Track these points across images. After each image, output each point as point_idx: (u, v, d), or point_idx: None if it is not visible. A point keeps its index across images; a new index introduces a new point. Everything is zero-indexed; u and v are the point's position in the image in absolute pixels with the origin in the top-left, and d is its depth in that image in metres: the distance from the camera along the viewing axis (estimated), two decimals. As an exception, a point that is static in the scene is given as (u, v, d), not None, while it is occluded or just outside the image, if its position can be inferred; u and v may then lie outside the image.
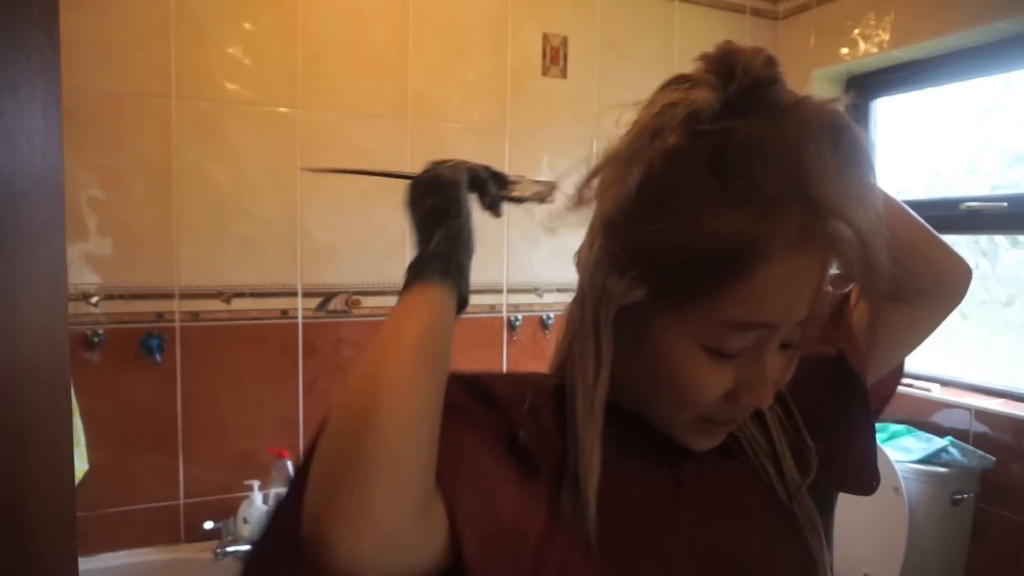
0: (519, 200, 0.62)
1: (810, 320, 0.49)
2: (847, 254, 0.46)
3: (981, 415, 1.79)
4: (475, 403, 0.53)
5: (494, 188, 0.62)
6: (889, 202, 0.58)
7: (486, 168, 0.63)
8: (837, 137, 0.49)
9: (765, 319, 0.48)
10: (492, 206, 0.63)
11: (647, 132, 0.51)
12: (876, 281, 0.49)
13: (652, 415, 0.55)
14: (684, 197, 0.48)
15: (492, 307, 2.02)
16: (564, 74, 2.07)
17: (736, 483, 0.58)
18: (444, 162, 0.62)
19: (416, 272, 0.52)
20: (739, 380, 0.50)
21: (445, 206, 0.58)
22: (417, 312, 0.50)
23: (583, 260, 0.53)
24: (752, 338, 0.49)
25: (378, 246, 1.89)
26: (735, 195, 0.46)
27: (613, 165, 0.52)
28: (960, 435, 1.80)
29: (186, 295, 1.70)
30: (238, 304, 1.75)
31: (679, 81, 0.54)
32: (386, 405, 0.43)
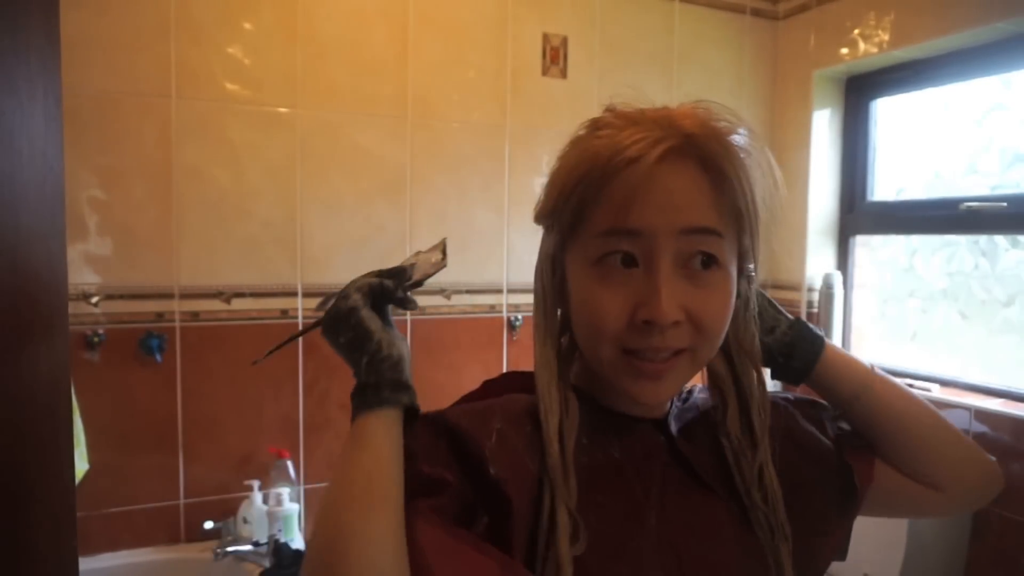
0: (422, 283, 0.66)
1: (697, 231, 0.53)
2: (715, 165, 0.52)
3: (981, 415, 1.79)
4: (443, 449, 0.56)
5: (397, 288, 0.66)
6: (908, 395, 0.67)
7: (378, 275, 0.68)
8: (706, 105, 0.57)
9: (632, 225, 0.52)
10: (404, 305, 0.67)
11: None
12: (747, 194, 0.54)
13: (596, 368, 0.58)
14: (569, 145, 0.58)
15: (492, 307, 2.02)
16: (564, 74, 2.07)
17: (703, 499, 0.60)
18: (345, 289, 0.67)
19: (355, 406, 0.57)
20: (636, 300, 0.53)
21: (355, 335, 0.62)
22: (361, 452, 0.53)
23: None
24: (629, 247, 0.53)
25: (378, 246, 1.89)
26: (599, 128, 0.55)
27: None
28: (960, 435, 1.80)
29: (186, 295, 1.71)
30: (238, 304, 1.76)
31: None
32: (350, 561, 0.47)
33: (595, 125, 0.57)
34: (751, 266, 0.59)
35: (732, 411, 0.62)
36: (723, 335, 0.57)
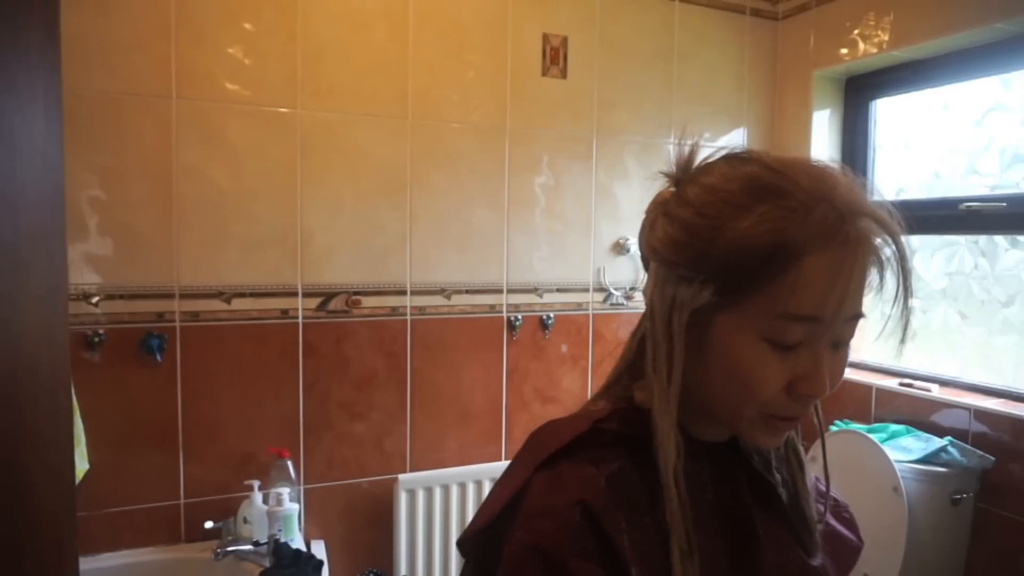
0: None
1: (857, 317, 0.56)
2: (880, 251, 0.55)
3: (980, 415, 1.79)
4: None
5: None
6: None
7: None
8: (847, 172, 0.58)
9: (816, 312, 0.53)
10: None
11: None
12: (909, 278, 0.56)
13: (721, 416, 0.60)
14: (728, 204, 0.56)
15: (492, 307, 2.02)
16: (564, 74, 2.07)
17: (784, 535, 0.64)
18: None
19: None
20: (796, 373, 0.55)
21: None
22: None
23: (649, 289, 0.61)
24: (806, 331, 0.54)
25: (378, 246, 1.89)
26: (767, 202, 0.54)
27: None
28: (959, 435, 1.80)
29: (186, 295, 1.71)
30: (238, 304, 1.76)
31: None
32: None
33: (763, 186, 0.55)
34: None
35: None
36: None
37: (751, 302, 0.54)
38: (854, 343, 2.10)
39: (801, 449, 0.67)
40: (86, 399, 1.53)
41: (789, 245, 0.52)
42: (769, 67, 2.37)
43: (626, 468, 0.58)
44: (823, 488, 0.72)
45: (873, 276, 0.56)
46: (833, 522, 0.70)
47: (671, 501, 0.55)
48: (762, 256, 0.53)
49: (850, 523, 0.72)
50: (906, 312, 0.58)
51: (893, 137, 2.21)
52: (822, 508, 0.68)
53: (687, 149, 0.61)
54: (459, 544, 0.63)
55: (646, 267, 0.63)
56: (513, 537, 0.56)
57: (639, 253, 0.65)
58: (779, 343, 0.54)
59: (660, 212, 0.60)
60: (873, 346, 2.28)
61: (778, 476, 0.66)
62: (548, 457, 0.59)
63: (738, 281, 0.54)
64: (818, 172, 0.56)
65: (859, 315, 0.56)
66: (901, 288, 0.56)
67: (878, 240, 0.55)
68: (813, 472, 0.69)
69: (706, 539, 0.57)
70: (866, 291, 0.56)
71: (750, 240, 0.53)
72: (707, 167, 0.60)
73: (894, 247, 0.55)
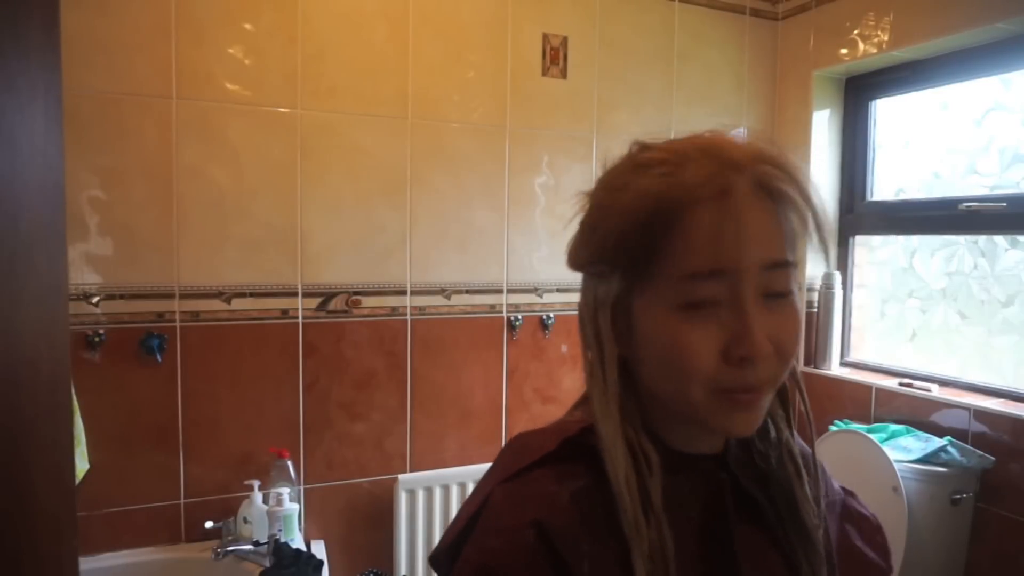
0: None
1: (778, 266, 0.53)
2: (783, 193, 0.52)
3: (980, 415, 1.79)
4: None
5: None
6: None
7: None
8: (744, 130, 0.57)
9: (722, 265, 0.51)
10: None
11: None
12: (817, 215, 0.54)
13: (680, 411, 0.56)
14: (610, 187, 0.56)
15: (492, 307, 2.02)
16: (564, 74, 2.07)
17: (775, 556, 0.60)
18: None
19: None
20: (728, 337, 0.52)
21: None
22: None
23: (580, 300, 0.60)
24: (716, 289, 0.51)
25: (378, 246, 1.89)
26: (642, 174, 0.54)
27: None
28: (959, 435, 1.80)
29: (186, 295, 1.71)
30: (238, 304, 1.76)
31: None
32: None
33: (643, 164, 0.55)
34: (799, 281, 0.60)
35: (777, 424, 0.62)
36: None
37: (653, 276, 0.53)
38: (855, 342, 2.08)
39: (798, 453, 0.62)
40: (86, 399, 1.53)
41: (667, 206, 0.51)
42: (769, 67, 2.37)
43: (594, 487, 0.55)
44: (851, 503, 0.69)
45: (791, 220, 0.54)
46: (861, 544, 0.68)
47: (625, 511, 0.52)
48: (645, 224, 0.52)
49: (882, 548, 0.69)
50: (824, 245, 0.56)
51: (893, 137, 2.21)
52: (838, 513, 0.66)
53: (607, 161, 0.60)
54: (431, 560, 0.61)
55: None
56: (464, 554, 0.55)
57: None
58: (692, 306, 0.52)
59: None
60: (873, 346, 2.28)
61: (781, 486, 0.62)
62: (514, 472, 0.57)
63: (634, 258, 0.53)
64: (700, 137, 0.55)
65: (782, 262, 0.53)
66: (813, 225, 0.55)
67: (784, 186, 0.53)
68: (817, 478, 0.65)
69: (687, 559, 0.54)
70: (791, 237, 0.54)
71: (631, 212, 0.53)
72: (609, 167, 0.59)
73: (795, 189, 0.53)
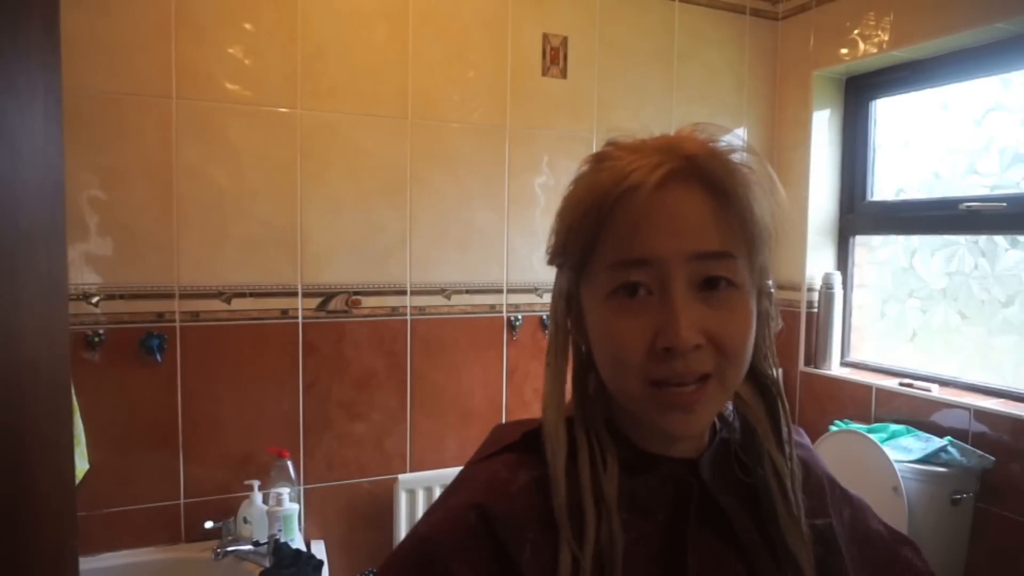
0: None
1: (709, 256, 0.52)
2: (726, 188, 0.52)
3: (980, 415, 1.79)
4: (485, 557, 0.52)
5: None
6: None
7: None
8: (700, 125, 0.57)
9: (639, 254, 0.52)
10: None
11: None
12: (754, 212, 0.53)
13: (626, 404, 0.56)
14: (571, 183, 0.58)
15: (492, 307, 2.02)
16: (564, 74, 2.07)
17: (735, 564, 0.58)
18: None
19: None
20: (655, 327, 0.51)
21: None
22: None
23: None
24: (643, 277, 0.52)
25: (378, 246, 1.89)
26: (601, 162, 0.55)
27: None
28: (959, 435, 1.80)
29: (186, 295, 1.71)
30: (238, 304, 1.76)
31: None
32: None
33: (598, 159, 0.56)
34: (769, 282, 0.58)
35: (762, 439, 0.60)
36: (747, 356, 0.55)
37: (592, 267, 0.55)
38: (855, 342, 2.08)
39: (786, 473, 0.59)
40: (86, 399, 1.53)
41: (603, 197, 0.52)
42: (769, 67, 2.37)
43: (548, 477, 0.54)
44: (851, 496, 0.67)
45: (743, 209, 0.53)
46: (878, 526, 0.67)
47: (557, 497, 0.52)
48: (585, 215, 0.53)
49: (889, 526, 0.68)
50: (763, 247, 0.55)
51: (893, 137, 2.21)
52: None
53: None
54: None
55: None
56: (414, 526, 0.56)
57: None
58: (623, 295, 0.52)
59: None
60: (874, 346, 2.28)
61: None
62: (478, 459, 0.59)
63: (578, 250, 0.55)
64: (657, 137, 0.56)
65: (714, 253, 0.52)
66: (756, 216, 0.54)
67: (729, 181, 0.52)
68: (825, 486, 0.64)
69: (644, 559, 0.54)
70: (737, 231, 0.53)
71: (577, 204, 0.55)
72: None
73: (742, 186, 0.53)
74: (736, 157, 0.55)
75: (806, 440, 0.70)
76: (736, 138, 0.56)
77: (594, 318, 0.55)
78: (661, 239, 0.51)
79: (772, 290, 0.59)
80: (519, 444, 0.58)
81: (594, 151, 0.58)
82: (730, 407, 0.63)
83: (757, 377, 0.60)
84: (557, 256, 0.59)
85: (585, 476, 0.54)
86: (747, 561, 0.57)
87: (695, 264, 0.52)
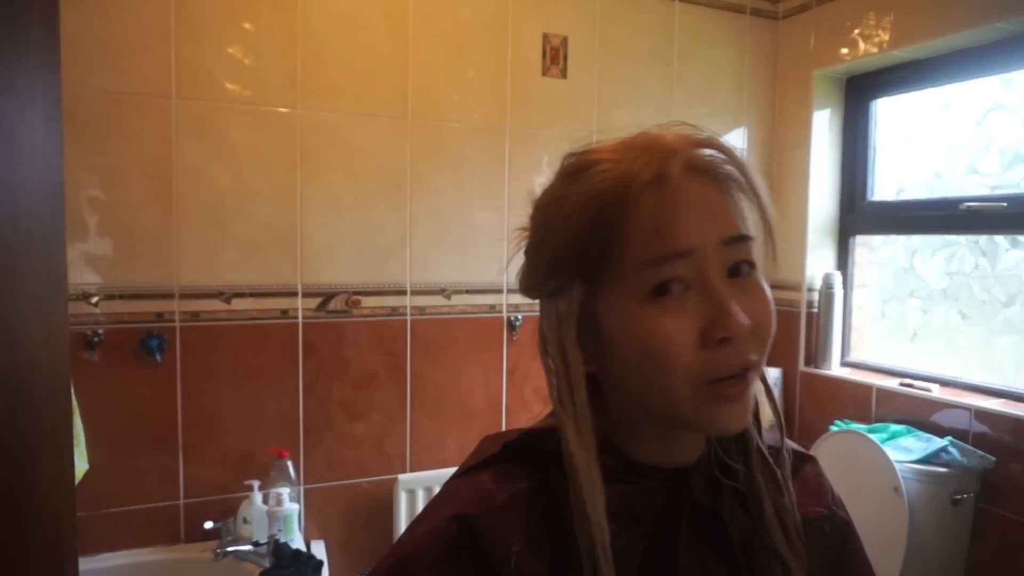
0: None
1: (736, 240, 0.52)
2: (720, 171, 0.52)
3: (981, 415, 1.79)
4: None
5: None
6: None
7: None
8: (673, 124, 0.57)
9: (680, 246, 0.50)
10: None
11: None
12: (758, 193, 0.53)
13: (665, 412, 0.53)
14: (548, 204, 0.56)
15: (492, 307, 2.02)
16: (564, 74, 2.07)
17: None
18: None
19: None
20: (704, 323, 0.50)
21: None
22: None
23: (541, 327, 0.59)
24: (679, 270, 0.50)
25: (378, 246, 1.89)
26: (580, 178, 0.54)
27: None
28: (960, 435, 1.80)
29: (186, 295, 1.71)
30: (238, 304, 1.76)
31: None
32: None
33: (570, 172, 0.55)
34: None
35: (751, 438, 0.59)
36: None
37: (614, 273, 0.52)
38: (855, 342, 2.08)
39: (776, 469, 0.58)
40: (86, 399, 1.53)
41: (610, 201, 0.51)
42: (769, 67, 2.37)
43: (538, 490, 0.54)
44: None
45: (740, 199, 0.53)
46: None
47: (594, 542, 0.50)
48: (594, 224, 0.51)
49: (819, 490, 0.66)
50: (769, 230, 0.54)
51: (893, 137, 2.21)
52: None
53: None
54: None
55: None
56: (397, 539, 0.56)
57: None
58: (659, 292, 0.50)
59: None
60: (874, 346, 2.28)
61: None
62: (463, 471, 0.58)
63: (590, 260, 0.52)
64: (632, 137, 0.55)
65: (739, 236, 0.52)
66: (755, 204, 0.54)
67: (721, 165, 0.53)
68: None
69: (633, 570, 0.53)
70: (741, 213, 0.53)
71: (577, 217, 0.52)
72: (541, 191, 0.59)
73: (734, 167, 0.53)
74: (721, 144, 0.55)
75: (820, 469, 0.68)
76: (704, 130, 0.56)
77: (623, 327, 0.52)
78: (692, 228, 0.50)
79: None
80: (503, 456, 0.57)
81: (558, 169, 0.57)
82: None
83: None
84: (548, 281, 0.56)
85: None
86: (734, 569, 0.56)
87: (724, 250, 0.51)
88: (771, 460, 0.59)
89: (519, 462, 0.56)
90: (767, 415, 0.63)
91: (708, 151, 0.53)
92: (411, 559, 0.52)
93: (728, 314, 0.49)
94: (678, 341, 0.49)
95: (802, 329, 2.29)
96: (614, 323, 0.52)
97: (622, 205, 0.51)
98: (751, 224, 0.53)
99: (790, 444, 0.64)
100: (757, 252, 0.54)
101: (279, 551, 1.58)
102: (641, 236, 0.50)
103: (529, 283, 0.58)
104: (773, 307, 0.53)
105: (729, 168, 0.53)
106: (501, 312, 2.04)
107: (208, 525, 1.68)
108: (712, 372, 0.50)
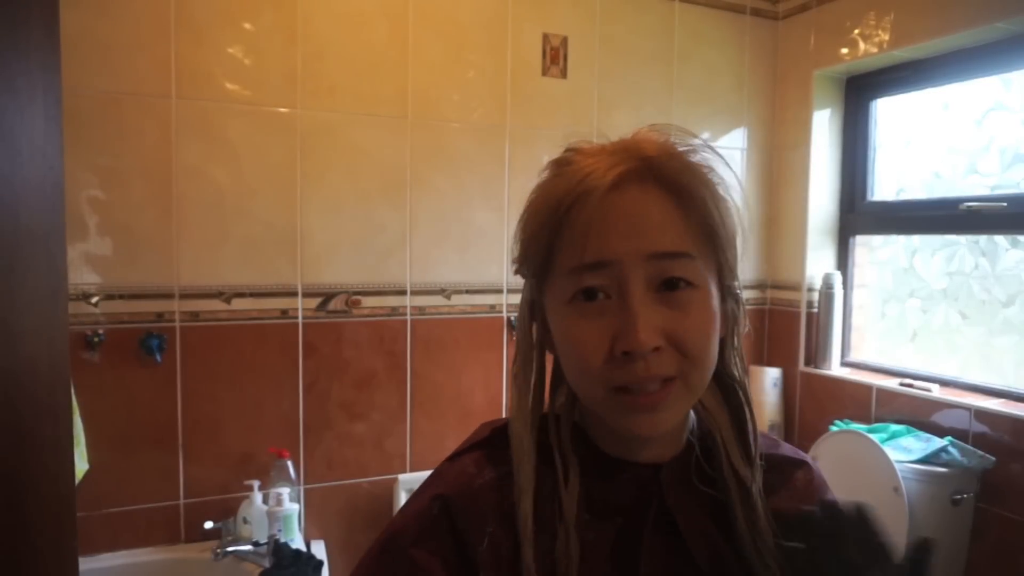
0: None
1: (665, 256, 0.51)
2: (683, 187, 0.52)
3: (981, 415, 1.79)
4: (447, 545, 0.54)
5: None
6: None
7: None
8: (660, 127, 0.59)
9: (595, 257, 0.51)
10: None
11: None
12: (720, 204, 0.53)
13: (593, 409, 0.56)
14: (533, 189, 0.58)
15: (492, 307, 2.02)
16: (564, 74, 2.07)
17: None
18: None
19: None
20: (614, 332, 0.51)
21: None
22: None
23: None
24: (601, 280, 0.51)
25: (378, 246, 1.89)
26: (558, 168, 0.56)
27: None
28: (960, 435, 1.80)
29: (186, 295, 1.71)
30: (238, 304, 1.76)
31: None
32: None
33: (557, 164, 0.57)
34: (736, 283, 0.57)
35: (724, 447, 0.58)
36: (711, 357, 0.54)
37: (552, 274, 0.55)
38: (855, 342, 2.08)
39: (747, 474, 0.57)
40: (86, 399, 1.53)
41: (558, 203, 0.52)
42: (769, 67, 2.37)
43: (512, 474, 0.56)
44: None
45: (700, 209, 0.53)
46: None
47: (524, 505, 0.53)
48: (543, 222, 0.54)
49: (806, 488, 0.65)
50: (726, 246, 0.54)
51: (893, 137, 2.21)
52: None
53: None
54: None
55: None
56: (389, 521, 0.59)
57: None
58: (587, 297, 0.52)
59: None
60: (874, 346, 2.28)
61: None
62: (453, 454, 0.61)
63: (538, 257, 0.55)
64: (617, 140, 0.56)
65: (671, 253, 0.51)
66: (717, 215, 0.53)
67: (686, 180, 0.53)
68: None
69: (600, 562, 0.54)
70: (696, 230, 0.52)
71: (535, 212, 0.55)
72: None
73: (700, 185, 0.53)
74: (695, 157, 0.55)
75: (818, 468, 0.67)
76: (696, 138, 0.57)
77: (557, 325, 0.55)
78: (616, 241, 0.51)
79: (740, 291, 0.58)
80: (488, 441, 0.60)
81: (548, 163, 0.58)
82: None
83: (723, 380, 0.60)
84: (521, 265, 0.59)
85: (547, 490, 0.55)
86: (702, 569, 0.56)
87: (653, 264, 0.51)
88: (741, 473, 0.57)
89: (504, 447, 0.58)
90: (764, 420, 0.63)
91: (678, 164, 0.53)
92: (398, 534, 0.55)
93: (632, 329, 0.50)
94: (591, 347, 0.52)
95: (802, 329, 2.29)
96: (553, 320, 0.56)
97: (567, 208, 0.52)
98: (701, 241, 0.53)
99: (784, 451, 0.64)
100: (707, 267, 0.53)
101: (279, 551, 1.58)
102: (570, 242, 0.52)
103: (513, 261, 0.61)
104: (708, 325, 0.53)
105: (692, 183, 0.53)
106: (501, 312, 2.04)
107: (208, 525, 1.68)
108: (617, 380, 0.52)
